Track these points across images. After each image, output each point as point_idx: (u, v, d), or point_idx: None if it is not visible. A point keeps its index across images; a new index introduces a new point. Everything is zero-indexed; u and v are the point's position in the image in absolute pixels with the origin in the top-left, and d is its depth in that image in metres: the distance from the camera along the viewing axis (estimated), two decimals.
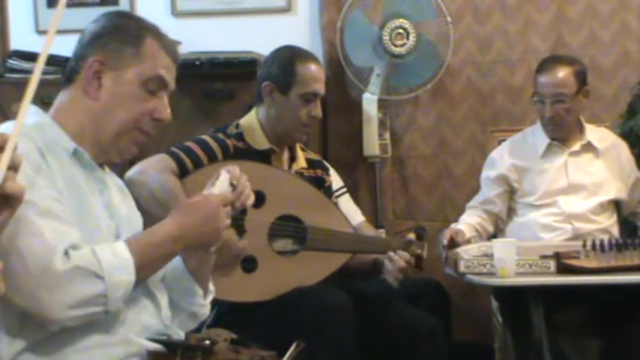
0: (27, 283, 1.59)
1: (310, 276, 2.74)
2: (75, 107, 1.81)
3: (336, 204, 3.01)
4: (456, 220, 3.42)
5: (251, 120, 2.92)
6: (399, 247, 2.84)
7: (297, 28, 4.06)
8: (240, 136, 2.88)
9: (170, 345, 1.70)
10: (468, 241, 3.16)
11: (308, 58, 2.92)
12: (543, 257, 2.71)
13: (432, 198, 4.05)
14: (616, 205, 3.36)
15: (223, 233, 1.84)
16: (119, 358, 1.70)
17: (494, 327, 3.45)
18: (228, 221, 1.85)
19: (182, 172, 2.72)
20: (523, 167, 3.36)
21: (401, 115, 4.04)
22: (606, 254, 2.71)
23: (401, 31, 3.77)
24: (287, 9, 4.09)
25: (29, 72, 3.82)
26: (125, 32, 1.83)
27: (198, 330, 1.94)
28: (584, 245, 2.75)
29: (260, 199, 2.73)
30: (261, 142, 2.89)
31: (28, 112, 1.42)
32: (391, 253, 2.81)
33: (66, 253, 1.62)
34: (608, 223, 3.29)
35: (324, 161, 3.16)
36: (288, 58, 2.90)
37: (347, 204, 3.12)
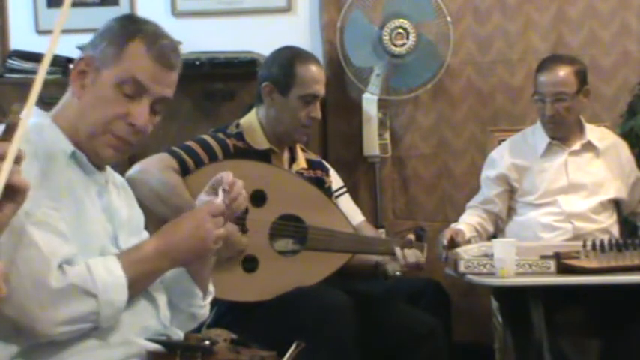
0: (19, 296, 1.57)
1: (310, 276, 2.74)
2: (68, 107, 1.80)
3: (336, 204, 3.01)
4: (456, 220, 3.41)
5: (251, 120, 2.92)
6: (399, 247, 2.84)
7: (297, 28, 4.07)
8: (240, 136, 2.87)
9: (170, 345, 1.70)
10: (468, 241, 3.16)
11: (308, 60, 2.91)
12: (543, 257, 2.71)
13: (432, 198, 4.05)
14: (616, 204, 3.37)
15: (224, 232, 1.82)
16: (119, 359, 1.70)
17: (494, 327, 3.45)
18: (222, 230, 1.80)
19: (183, 171, 2.71)
20: (523, 167, 3.35)
21: (401, 115, 4.04)
22: (606, 254, 2.71)
23: (401, 31, 3.77)
24: (287, 9, 4.09)
25: (29, 72, 3.81)
26: (114, 33, 1.79)
27: (197, 330, 1.94)
28: (584, 245, 2.75)
29: (261, 198, 2.73)
30: (261, 143, 2.89)
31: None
32: (405, 250, 2.82)
33: (61, 267, 1.61)
34: (609, 222, 3.29)
35: (324, 162, 3.16)
36: (289, 58, 2.90)
37: (347, 204, 3.13)
